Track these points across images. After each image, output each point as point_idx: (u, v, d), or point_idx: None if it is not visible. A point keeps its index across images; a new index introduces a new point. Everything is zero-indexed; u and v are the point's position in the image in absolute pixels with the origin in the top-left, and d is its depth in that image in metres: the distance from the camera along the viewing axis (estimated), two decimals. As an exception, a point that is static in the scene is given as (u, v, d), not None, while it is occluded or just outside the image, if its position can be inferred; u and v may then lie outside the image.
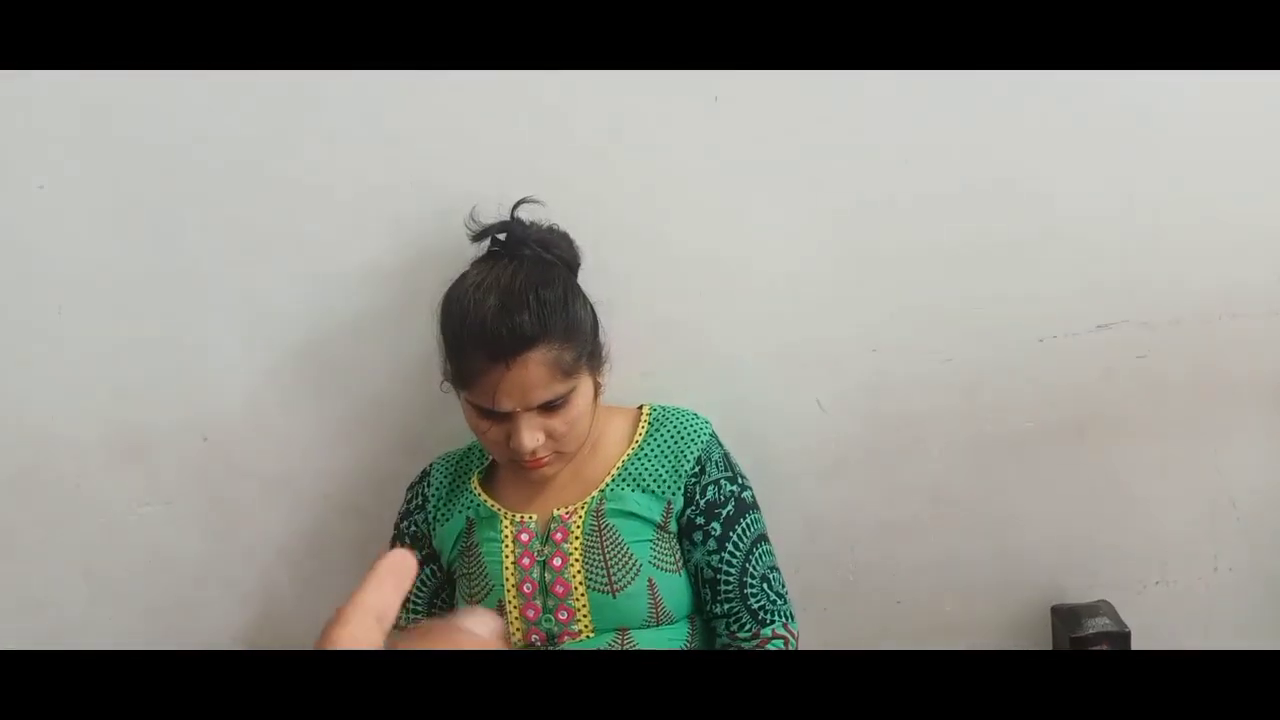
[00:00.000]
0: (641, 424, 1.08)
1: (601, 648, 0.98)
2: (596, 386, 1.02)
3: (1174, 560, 1.30)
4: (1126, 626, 1.20)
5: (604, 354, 1.04)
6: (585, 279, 1.07)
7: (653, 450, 1.05)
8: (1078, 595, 1.29)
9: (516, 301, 0.93)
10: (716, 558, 1.01)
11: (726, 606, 1.01)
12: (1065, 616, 1.24)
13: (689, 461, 1.03)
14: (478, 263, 1.02)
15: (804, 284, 1.20)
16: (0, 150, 1.15)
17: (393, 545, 1.12)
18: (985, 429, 1.25)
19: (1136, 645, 1.20)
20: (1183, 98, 1.14)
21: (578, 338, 0.97)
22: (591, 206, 1.14)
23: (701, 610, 1.04)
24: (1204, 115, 1.15)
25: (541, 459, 0.98)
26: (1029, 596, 1.30)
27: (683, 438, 1.05)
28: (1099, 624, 1.21)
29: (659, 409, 1.10)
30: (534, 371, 0.93)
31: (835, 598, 1.31)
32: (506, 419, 0.96)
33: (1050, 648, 1.28)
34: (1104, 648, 1.18)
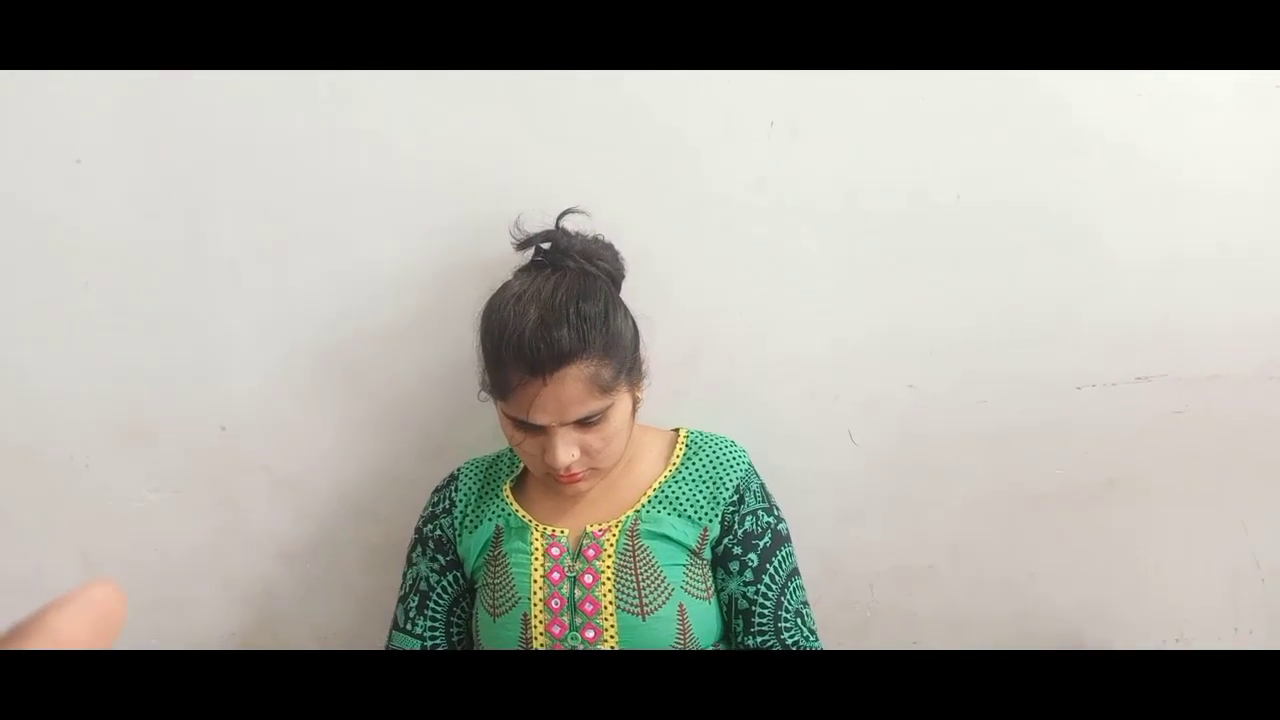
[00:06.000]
0: (679, 447, 1.06)
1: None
2: (635, 402, 1.00)
3: (1192, 624, 1.28)
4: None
5: (644, 369, 1.01)
6: (628, 293, 1.05)
7: (690, 475, 1.03)
8: (1093, 654, 1.27)
9: (556, 316, 0.90)
10: (753, 589, 0.98)
11: (760, 640, 0.98)
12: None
13: (728, 490, 1.01)
14: (520, 273, 1.00)
15: (845, 316, 1.18)
16: (41, 121, 1.13)
17: (413, 548, 1.08)
18: (1013, 478, 1.23)
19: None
20: (1238, 160, 1.14)
21: (617, 353, 0.94)
22: (640, 220, 1.13)
23: (729, 640, 1.01)
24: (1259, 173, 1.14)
25: (576, 474, 0.95)
26: (1044, 653, 1.28)
27: (721, 465, 1.03)
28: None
29: (696, 434, 1.08)
30: (571, 387, 0.90)
31: (850, 637, 1.29)
32: (542, 432, 0.93)
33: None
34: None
